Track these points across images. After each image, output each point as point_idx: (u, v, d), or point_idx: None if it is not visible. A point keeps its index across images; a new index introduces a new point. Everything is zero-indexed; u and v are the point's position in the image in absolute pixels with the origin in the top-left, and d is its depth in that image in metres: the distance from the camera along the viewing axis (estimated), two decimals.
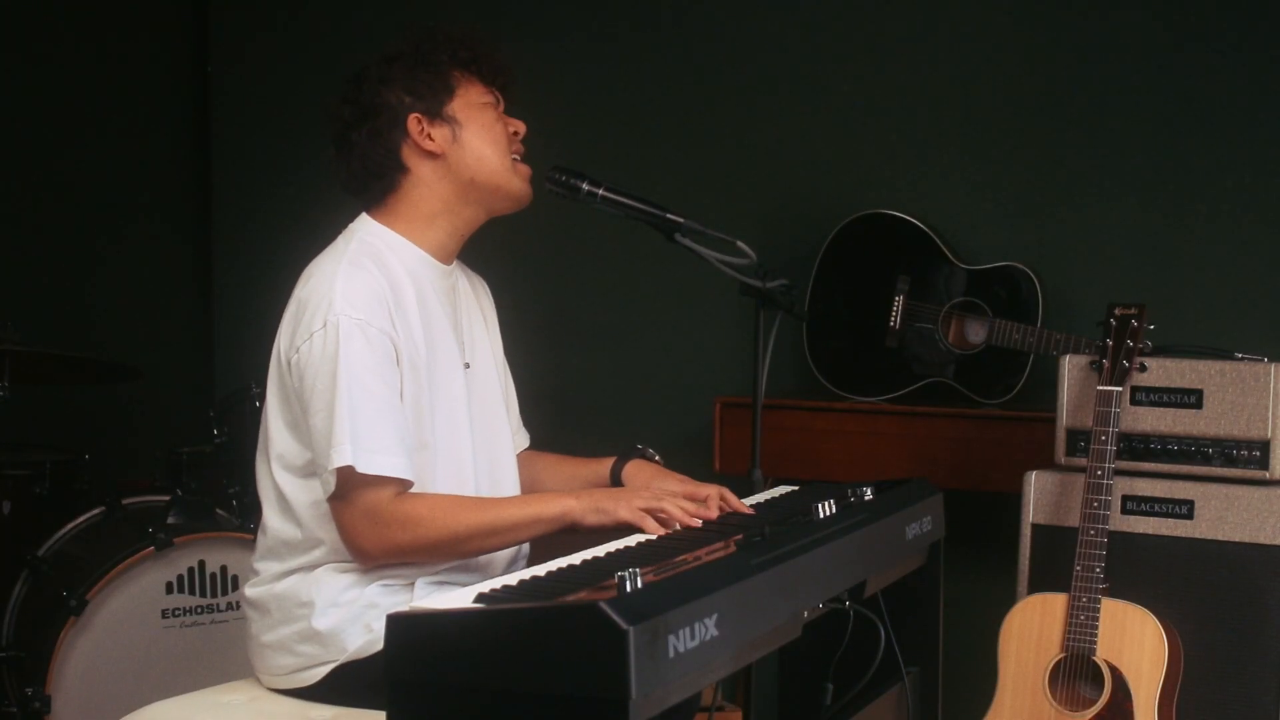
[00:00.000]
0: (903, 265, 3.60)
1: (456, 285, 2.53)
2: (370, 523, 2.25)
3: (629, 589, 1.66)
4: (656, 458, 2.67)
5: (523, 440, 2.73)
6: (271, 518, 2.38)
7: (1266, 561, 2.84)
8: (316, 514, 2.32)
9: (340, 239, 2.44)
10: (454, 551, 2.31)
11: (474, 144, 2.44)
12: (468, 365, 2.49)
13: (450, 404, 2.42)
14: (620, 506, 2.29)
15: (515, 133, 2.51)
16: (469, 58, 2.47)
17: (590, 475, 2.66)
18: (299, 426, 2.32)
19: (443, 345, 2.42)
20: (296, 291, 2.37)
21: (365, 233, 2.43)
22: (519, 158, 2.51)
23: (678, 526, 2.28)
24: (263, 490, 2.41)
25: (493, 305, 2.68)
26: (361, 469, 2.21)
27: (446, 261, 2.49)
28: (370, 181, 2.45)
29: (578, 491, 2.37)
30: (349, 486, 2.24)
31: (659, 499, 2.31)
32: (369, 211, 2.47)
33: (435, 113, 2.43)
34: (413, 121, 2.42)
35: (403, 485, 2.27)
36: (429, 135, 2.42)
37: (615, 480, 2.63)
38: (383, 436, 2.24)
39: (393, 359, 2.30)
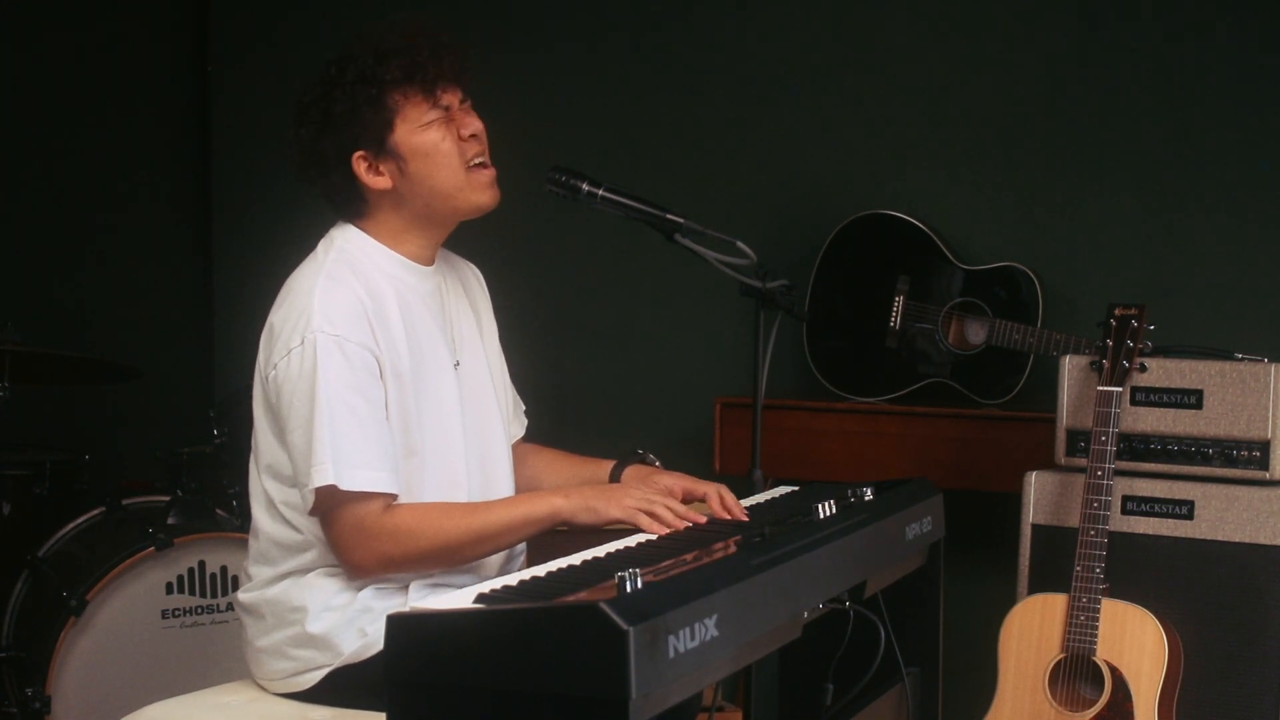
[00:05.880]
0: (903, 265, 3.60)
1: (442, 284, 2.50)
2: (359, 536, 2.23)
3: (629, 589, 1.66)
4: (656, 462, 2.65)
5: (518, 429, 2.70)
6: (263, 520, 2.37)
7: (1266, 561, 2.84)
8: (308, 516, 2.30)
9: (320, 247, 2.41)
10: (447, 559, 2.30)
11: (421, 172, 2.37)
12: (457, 364, 2.47)
13: (440, 407, 2.40)
14: (611, 505, 2.29)
15: (472, 135, 2.40)
16: (402, 75, 2.35)
17: (588, 475, 2.63)
18: (283, 437, 2.31)
19: (429, 348, 2.40)
20: (275, 305, 2.35)
21: (344, 240, 2.40)
22: (480, 159, 2.41)
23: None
24: (253, 494, 2.40)
25: (484, 291, 2.64)
26: (345, 486, 2.20)
27: (428, 264, 2.47)
28: (337, 205, 2.44)
29: (566, 490, 2.36)
30: (332, 504, 2.23)
31: (650, 501, 2.30)
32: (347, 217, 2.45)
33: (379, 149, 2.36)
34: (358, 162, 2.36)
35: (387, 499, 2.26)
36: (377, 170, 2.37)
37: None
38: (365, 452, 2.22)
39: (374, 372, 2.27)
